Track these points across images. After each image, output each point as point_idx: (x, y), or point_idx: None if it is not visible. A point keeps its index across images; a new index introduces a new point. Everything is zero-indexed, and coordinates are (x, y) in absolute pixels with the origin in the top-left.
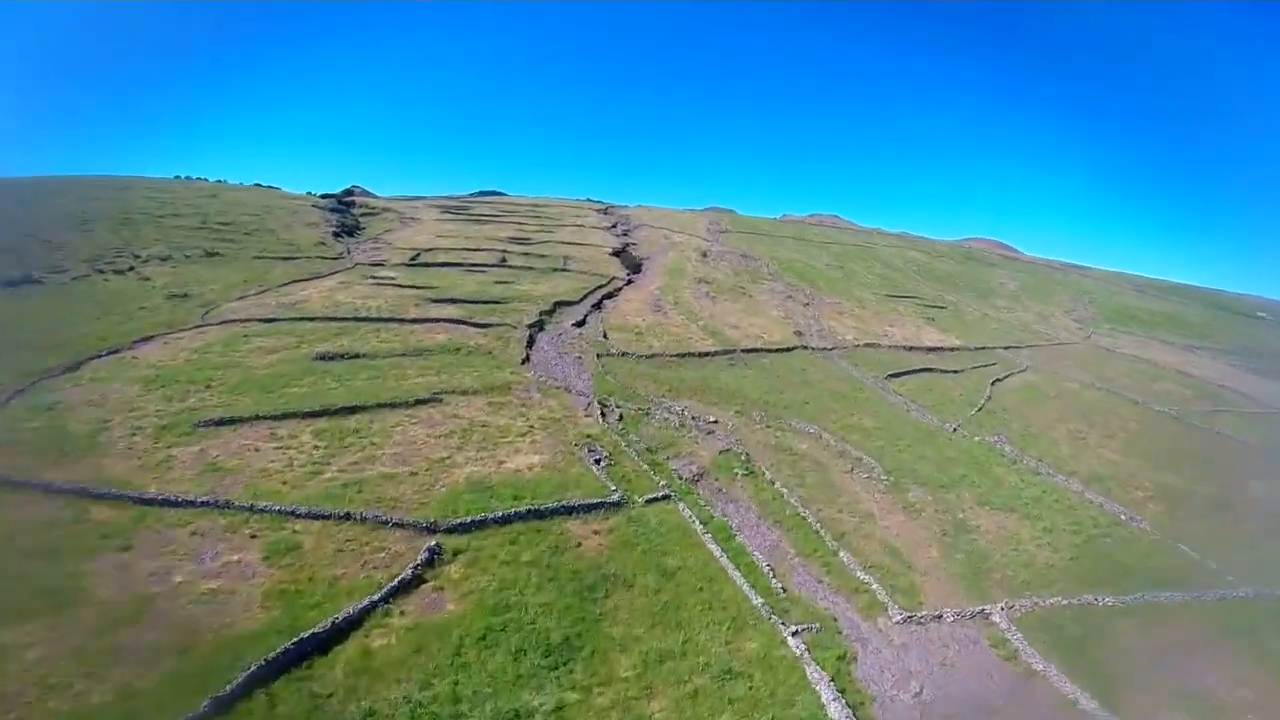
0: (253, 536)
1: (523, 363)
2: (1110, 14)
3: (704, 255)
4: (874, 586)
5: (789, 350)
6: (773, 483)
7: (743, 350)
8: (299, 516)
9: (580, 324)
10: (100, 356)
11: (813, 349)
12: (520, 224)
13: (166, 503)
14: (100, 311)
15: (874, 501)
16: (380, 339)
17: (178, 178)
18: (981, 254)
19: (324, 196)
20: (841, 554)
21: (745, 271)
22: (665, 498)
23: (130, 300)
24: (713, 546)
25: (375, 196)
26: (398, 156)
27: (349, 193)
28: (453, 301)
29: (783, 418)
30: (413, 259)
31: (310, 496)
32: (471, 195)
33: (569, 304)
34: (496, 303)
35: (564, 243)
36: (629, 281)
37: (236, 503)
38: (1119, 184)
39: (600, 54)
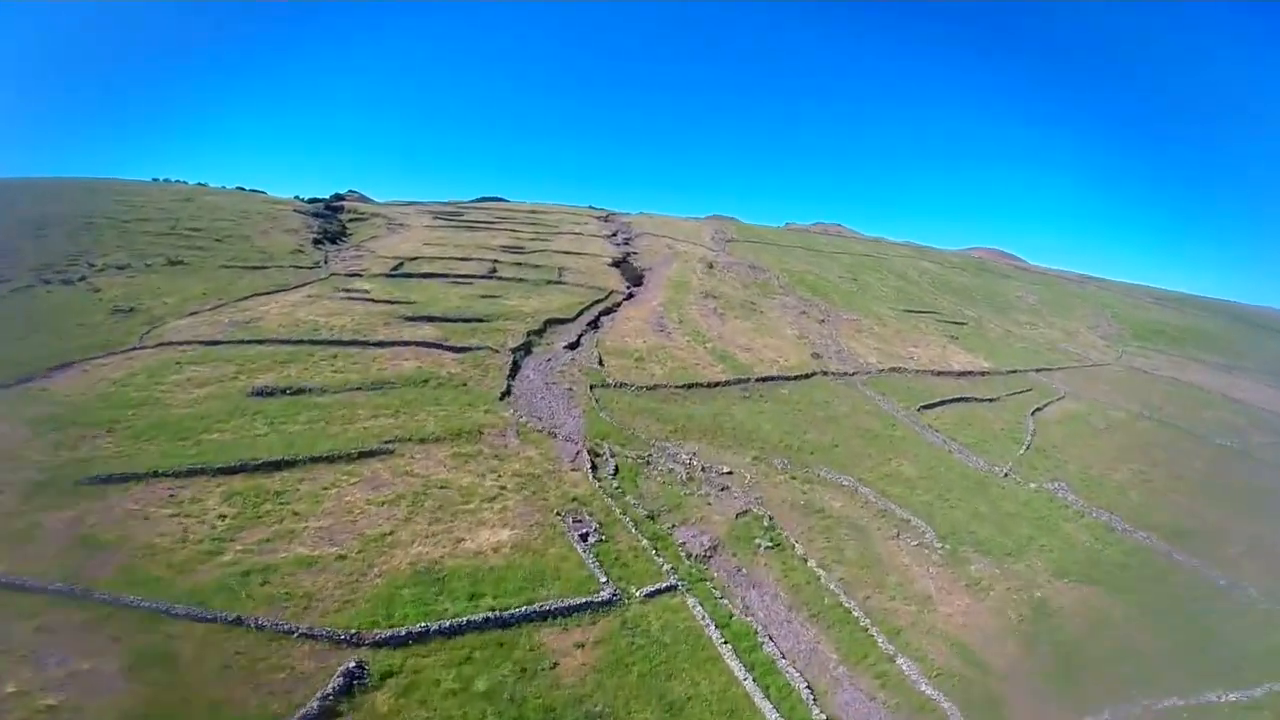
0: (115, 639)
1: (502, 397)
2: (1110, 14)
3: (710, 266)
4: (944, 705)
5: (808, 377)
6: (805, 559)
7: (758, 379)
8: (177, 616)
9: (573, 346)
10: (6, 387)
11: (834, 374)
12: (515, 231)
13: (11, 586)
14: (29, 329)
15: (930, 579)
16: (335, 368)
17: (155, 180)
18: (994, 265)
19: (311, 201)
20: (899, 660)
21: (755, 284)
22: (670, 589)
23: (70, 315)
24: (732, 662)
25: (371, 201)
26: (401, 162)
27: (339, 198)
28: (429, 320)
29: (809, 465)
30: (394, 269)
31: (199, 587)
32: (469, 201)
33: (562, 322)
34: (480, 320)
35: (560, 252)
36: (629, 296)
37: (99, 593)
38: (1122, 190)
39: (604, 60)
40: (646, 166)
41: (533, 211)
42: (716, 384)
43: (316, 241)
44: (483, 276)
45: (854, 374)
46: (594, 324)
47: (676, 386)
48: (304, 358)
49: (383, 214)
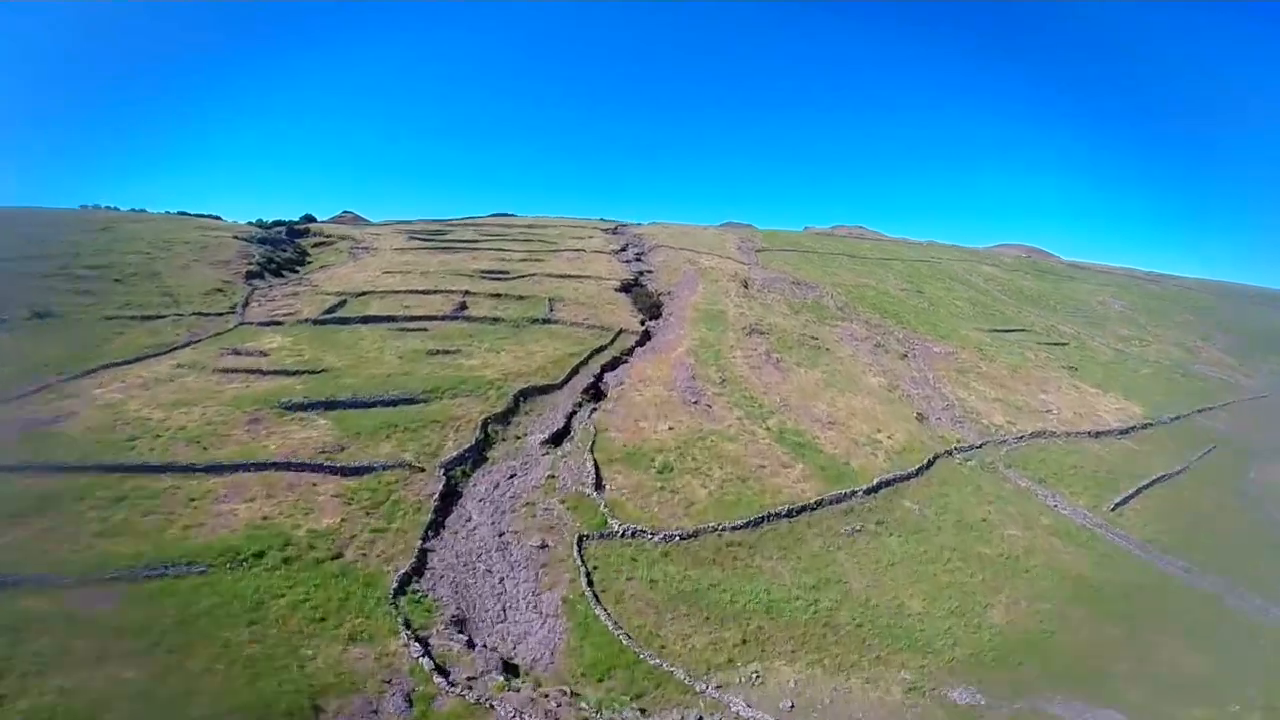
0: None
1: (405, 583)
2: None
3: (745, 286)
4: None
5: (929, 466)
6: None
7: (865, 490)
8: None
9: (555, 440)
10: None
11: (959, 450)
12: (503, 250)
13: None
14: None
15: None
16: (101, 528)
17: (84, 206)
18: (1049, 265)
19: (272, 225)
20: None
21: (806, 307)
22: None
23: None
24: None
25: (366, 222)
26: (407, 181)
27: (308, 219)
28: (329, 406)
29: (1031, 689)
30: (330, 310)
31: None
32: (462, 219)
33: (544, 391)
34: (411, 402)
35: (555, 275)
36: (644, 337)
37: None
38: (1153, 177)
39: (606, 66)
40: (654, 174)
41: (530, 226)
42: (802, 508)
43: (252, 274)
44: (445, 317)
45: (982, 445)
46: (593, 391)
47: (735, 527)
48: (69, 503)
49: (351, 236)
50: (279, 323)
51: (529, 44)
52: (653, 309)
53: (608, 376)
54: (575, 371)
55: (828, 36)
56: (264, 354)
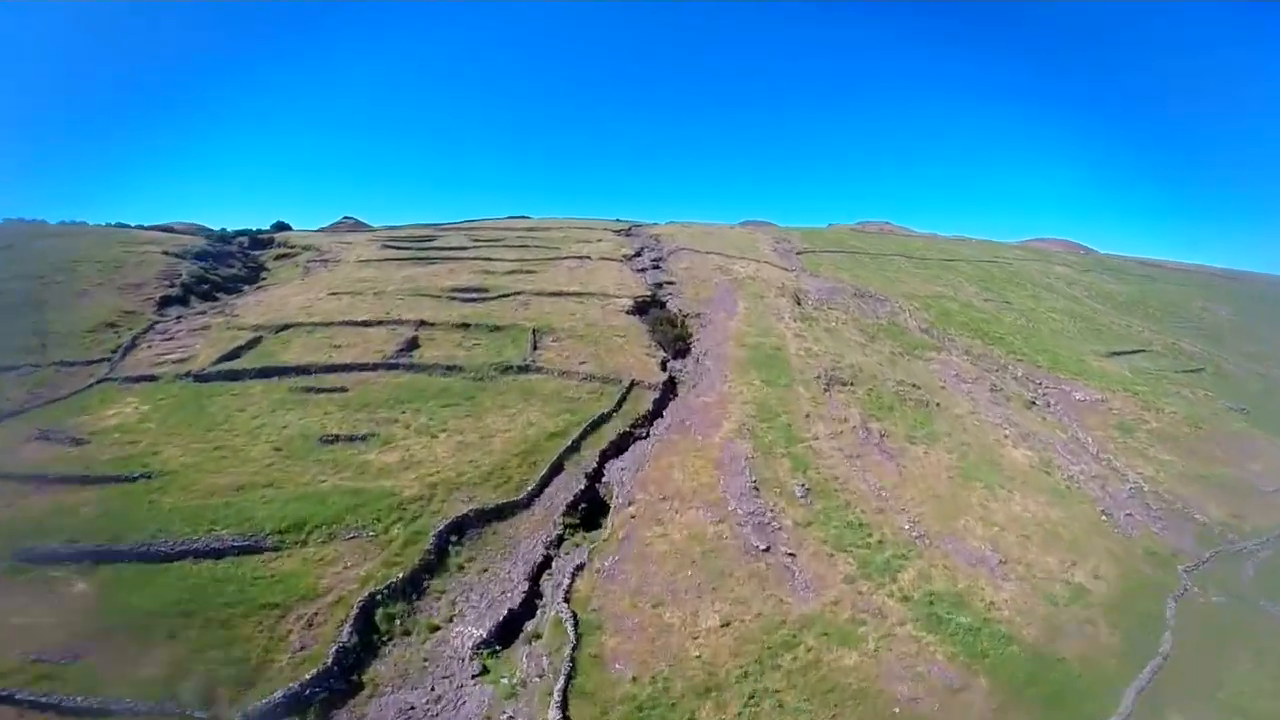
0: None
1: None
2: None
3: (798, 301)
4: None
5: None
6: None
7: None
8: None
9: (505, 633)
10: None
11: (1188, 573)
12: (490, 260)
13: None
14: None
15: None
16: None
17: (6, 220)
18: (1117, 264)
19: (236, 235)
20: None
21: (884, 331)
22: None
23: None
24: None
25: (366, 228)
26: (420, 185)
27: (281, 226)
28: (100, 558)
29: None
30: (231, 354)
31: None
32: (461, 223)
33: (497, 514)
34: (252, 550)
35: (548, 293)
36: (668, 391)
37: None
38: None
39: (613, 63)
40: (668, 172)
41: (531, 229)
42: None
43: (168, 301)
44: (380, 365)
45: (1209, 557)
46: (581, 508)
47: None
48: None
49: (317, 246)
50: (152, 377)
51: (540, 43)
52: (678, 341)
53: (612, 470)
54: (557, 470)
55: (843, 31)
56: (80, 441)
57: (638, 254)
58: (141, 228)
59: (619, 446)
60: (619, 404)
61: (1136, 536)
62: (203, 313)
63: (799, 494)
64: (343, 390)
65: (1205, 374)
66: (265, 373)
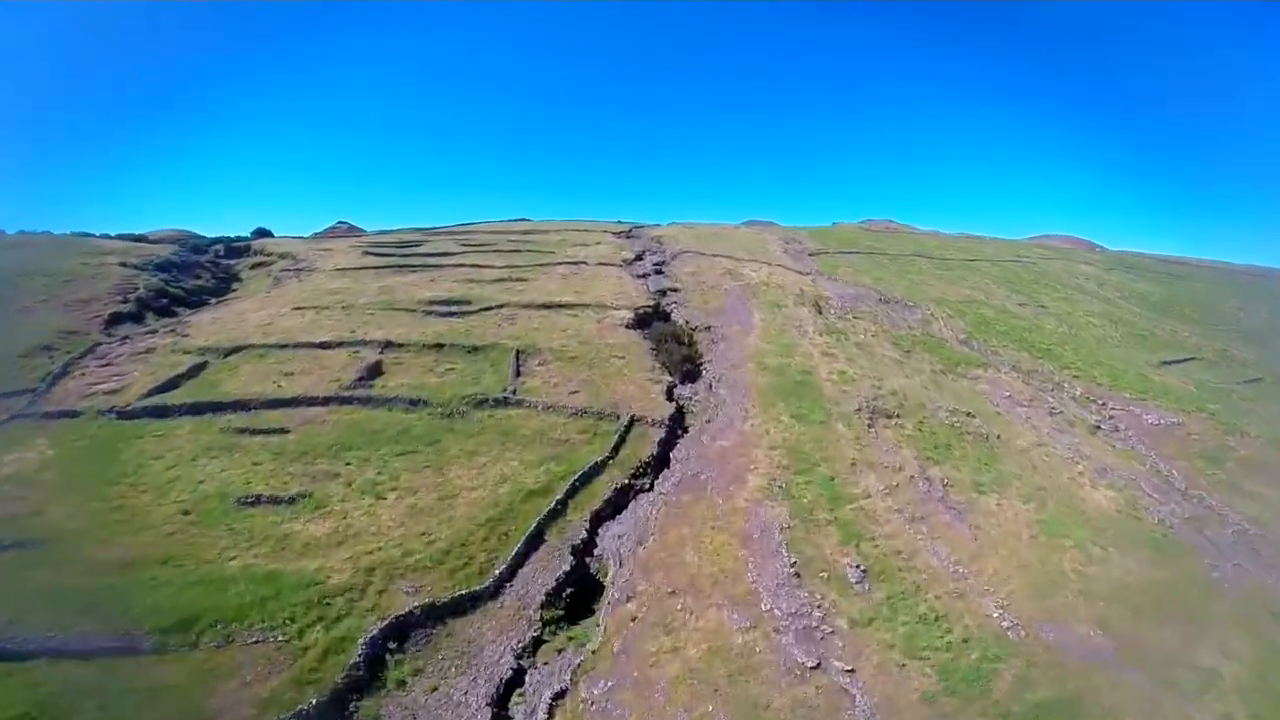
0: None
1: None
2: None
3: (819, 310)
4: None
5: None
6: None
7: None
8: None
9: None
10: None
11: None
12: (478, 267)
13: None
14: None
15: None
16: None
17: None
18: (1136, 261)
19: (213, 243)
20: None
21: (919, 343)
22: None
23: None
24: None
25: (360, 232)
26: (421, 189)
27: (263, 233)
28: None
29: None
30: (169, 383)
31: None
32: (453, 227)
33: (454, 610)
34: (123, 652)
35: (538, 305)
36: (675, 430)
37: None
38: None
39: (605, 60)
40: (666, 172)
41: (526, 233)
42: None
43: (117, 318)
44: (332, 399)
45: None
46: (566, 595)
47: None
48: None
49: (293, 254)
50: (74, 413)
51: (539, 44)
52: (687, 363)
53: (606, 539)
54: (535, 542)
55: (842, 31)
56: None
57: (639, 258)
58: (108, 237)
59: (616, 504)
60: (616, 448)
61: (1255, 594)
62: (153, 332)
63: (854, 579)
64: (283, 431)
65: (1265, 384)
66: (199, 408)
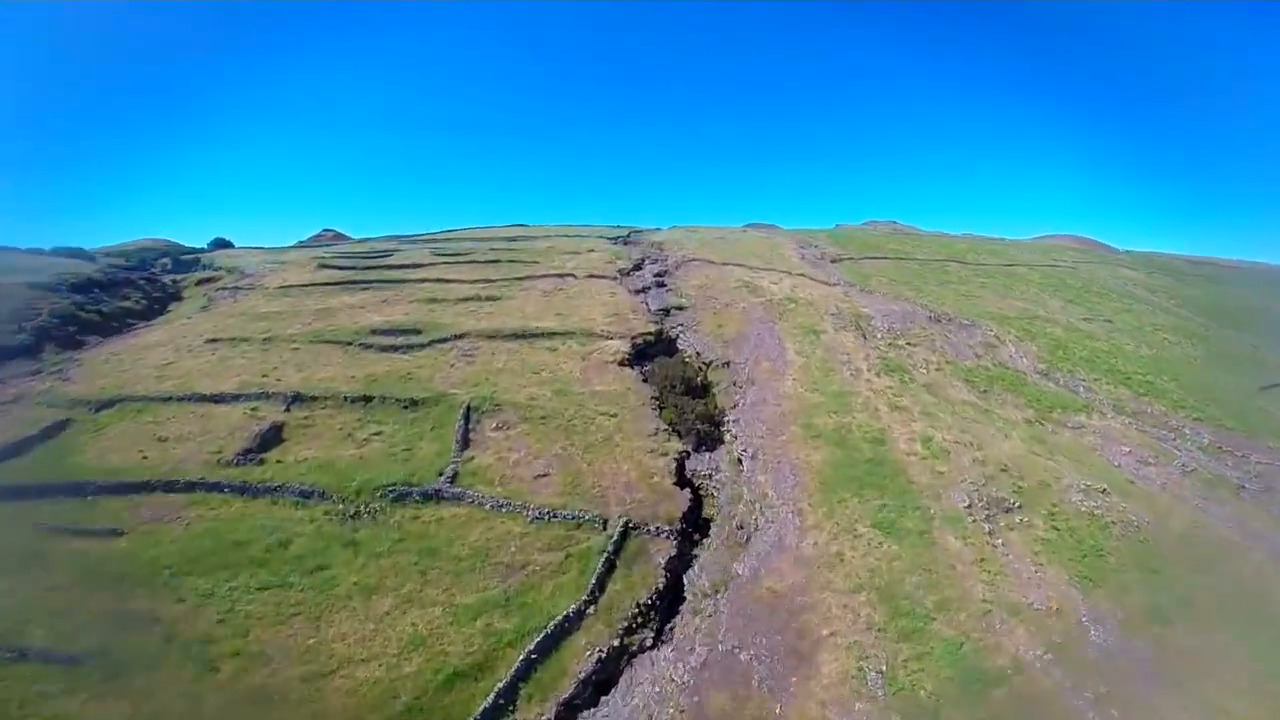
0: None
1: None
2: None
3: (863, 334)
4: None
5: None
6: None
7: None
8: None
9: None
10: None
11: None
12: (443, 283)
13: None
14: None
15: None
16: None
17: None
18: (1164, 262)
19: (160, 257)
20: None
21: (995, 378)
22: None
23: None
24: None
25: (346, 239)
26: (420, 196)
27: (221, 244)
28: None
29: None
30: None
31: None
32: (438, 233)
33: None
34: None
35: (507, 334)
36: (690, 541)
37: None
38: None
39: (606, 62)
40: (664, 176)
41: (512, 240)
42: None
43: (10, 353)
44: (200, 484)
45: None
46: None
47: None
48: None
49: (240, 268)
50: None
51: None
52: (703, 421)
53: None
54: None
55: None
56: None
57: (637, 267)
58: (40, 252)
59: (601, 682)
60: (601, 582)
61: None
62: (36, 372)
63: None
64: (114, 534)
65: None
66: (23, 491)
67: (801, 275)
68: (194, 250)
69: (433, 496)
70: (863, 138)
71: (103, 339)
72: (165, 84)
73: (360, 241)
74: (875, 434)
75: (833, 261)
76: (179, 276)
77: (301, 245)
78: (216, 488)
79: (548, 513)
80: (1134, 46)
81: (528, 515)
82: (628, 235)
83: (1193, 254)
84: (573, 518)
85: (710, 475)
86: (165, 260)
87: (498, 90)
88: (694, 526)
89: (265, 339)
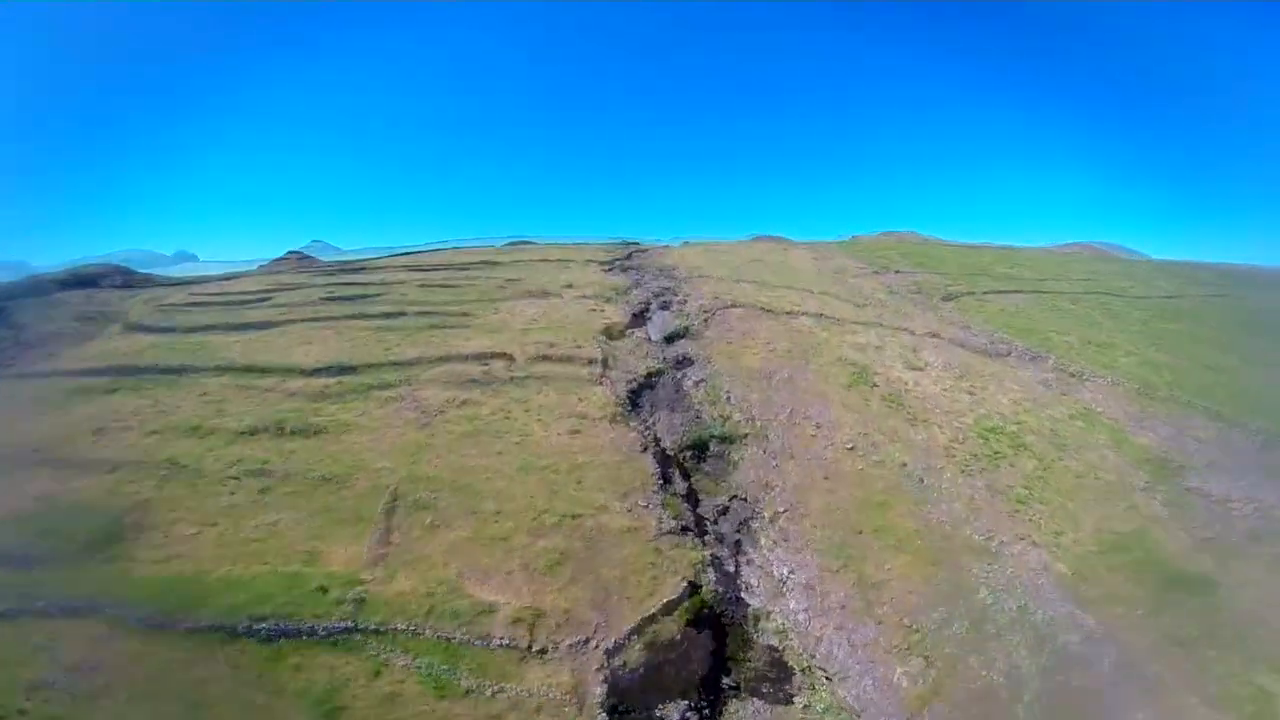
0: None
1: None
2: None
3: (924, 374)
4: None
5: None
6: None
7: None
8: None
9: None
10: None
11: None
12: (400, 316)
13: None
14: None
15: None
16: None
17: None
18: (1201, 276)
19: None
20: None
21: (1148, 463)
22: None
23: None
24: None
25: (318, 261)
26: (422, 209)
27: (184, 257)
28: None
29: None
30: None
31: None
32: (420, 248)
33: None
34: None
35: (459, 383)
36: None
37: None
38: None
39: (605, 66)
40: (669, 187)
41: (486, 262)
42: None
43: None
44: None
45: None
46: None
47: None
48: None
49: (172, 288)
50: None
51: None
52: (728, 519)
53: None
54: None
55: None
56: None
57: (633, 289)
58: None
59: None
60: None
61: None
62: None
63: None
64: None
65: None
66: None
67: (843, 299)
68: (146, 274)
69: (327, 637)
70: (872, 146)
71: None
72: (145, 87)
73: (345, 256)
74: (980, 541)
75: (930, 296)
76: (128, 292)
77: (262, 268)
78: None
79: (491, 685)
80: (1134, 47)
81: (460, 681)
82: (627, 254)
83: (1215, 260)
84: (529, 695)
85: (740, 606)
86: (91, 269)
87: (499, 92)
88: (716, 691)
89: (165, 390)
